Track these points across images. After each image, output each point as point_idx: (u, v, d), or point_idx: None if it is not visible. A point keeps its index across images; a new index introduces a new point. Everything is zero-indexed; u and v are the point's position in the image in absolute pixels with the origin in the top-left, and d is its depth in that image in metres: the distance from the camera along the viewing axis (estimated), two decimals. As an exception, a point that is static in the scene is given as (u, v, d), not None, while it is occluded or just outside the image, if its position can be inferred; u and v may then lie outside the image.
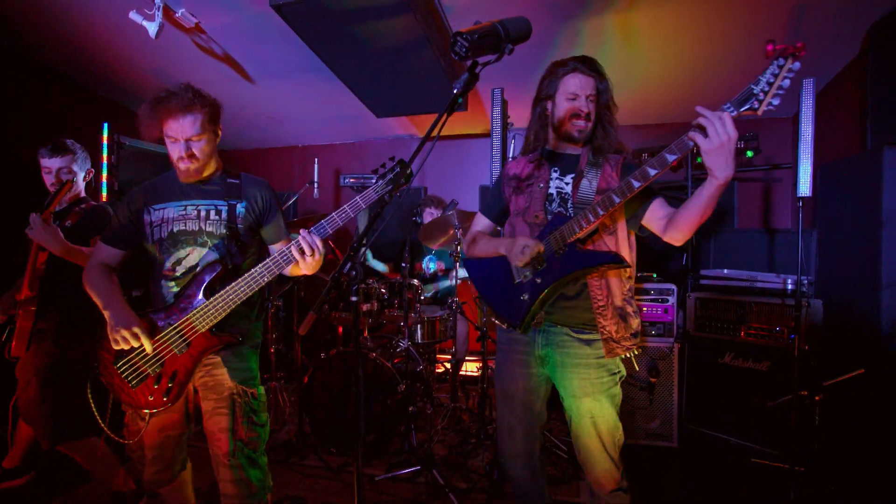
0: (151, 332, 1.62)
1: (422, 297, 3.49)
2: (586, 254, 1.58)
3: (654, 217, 1.61)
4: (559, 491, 2.52)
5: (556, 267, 1.58)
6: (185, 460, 1.87)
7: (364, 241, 1.32)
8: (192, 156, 1.64)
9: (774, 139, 3.95)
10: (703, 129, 1.31)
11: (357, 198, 1.61)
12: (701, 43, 3.19)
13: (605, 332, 1.60)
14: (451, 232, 3.21)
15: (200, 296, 1.63)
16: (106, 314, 1.61)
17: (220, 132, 1.76)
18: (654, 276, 3.17)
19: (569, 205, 1.67)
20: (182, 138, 1.62)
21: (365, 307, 3.25)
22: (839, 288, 3.04)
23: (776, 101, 1.30)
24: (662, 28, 3.03)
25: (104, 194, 3.58)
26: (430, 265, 4.16)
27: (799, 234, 2.64)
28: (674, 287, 3.00)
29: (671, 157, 1.40)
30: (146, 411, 1.67)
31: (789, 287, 2.88)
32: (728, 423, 2.98)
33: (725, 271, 3.19)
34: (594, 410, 1.61)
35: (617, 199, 1.47)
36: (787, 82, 1.29)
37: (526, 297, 1.63)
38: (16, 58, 3.56)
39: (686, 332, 3.17)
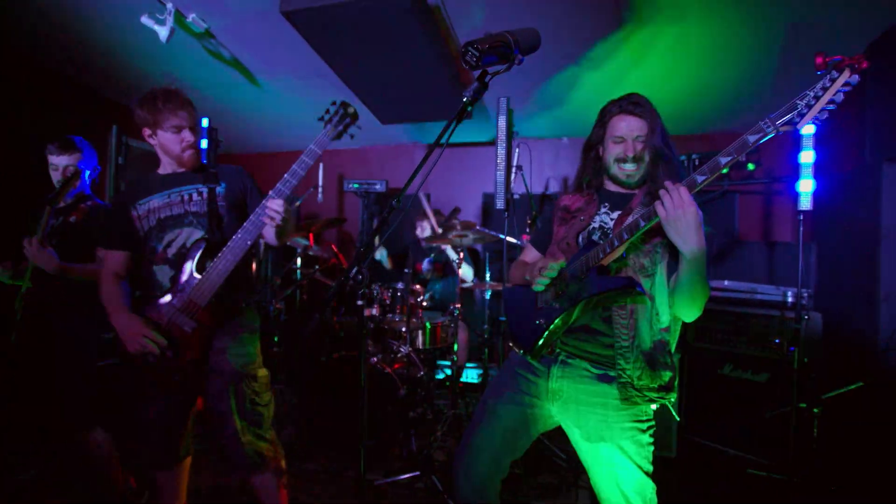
0: (158, 319, 1.71)
1: (423, 304, 3.51)
2: (602, 279, 1.46)
3: None
4: (558, 499, 2.53)
5: (575, 292, 1.49)
6: (188, 447, 1.90)
7: (373, 247, 1.35)
8: (193, 144, 1.85)
9: (775, 153, 3.99)
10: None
11: (311, 145, 1.76)
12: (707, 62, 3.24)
13: (625, 375, 1.45)
14: (453, 237, 3.23)
15: (195, 272, 1.73)
16: (113, 324, 1.72)
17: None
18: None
19: (609, 237, 1.55)
20: (187, 126, 1.81)
21: (367, 312, 3.27)
22: (838, 301, 3.06)
23: (823, 117, 1.20)
24: (666, 45, 3.08)
25: (111, 196, 3.62)
26: (425, 267, 4.18)
27: (800, 247, 2.67)
28: (674, 297, 3.01)
29: (699, 178, 1.33)
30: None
31: (789, 300, 2.90)
32: (726, 434, 2.99)
33: (726, 282, 3.21)
34: (614, 459, 1.46)
35: (642, 223, 1.37)
36: (840, 96, 1.17)
37: (542, 321, 1.53)
38: (25, 61, 3.60)
39: (686, 342, 3.19)
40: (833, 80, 1.17)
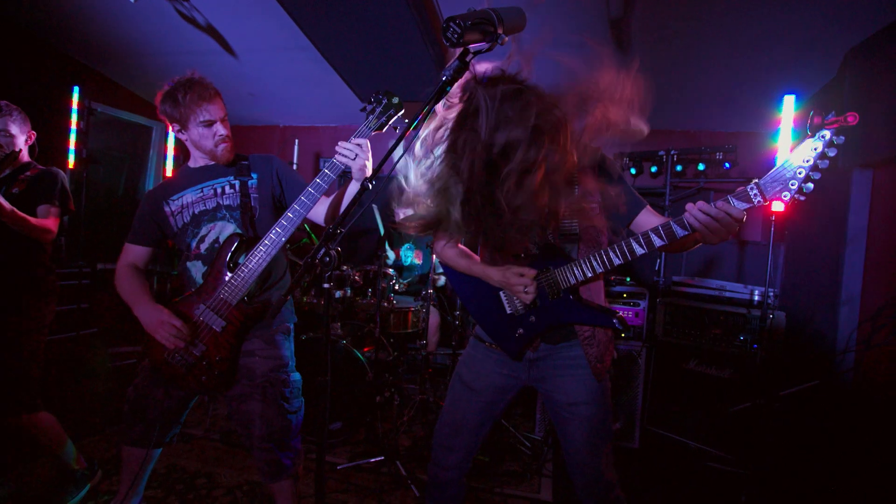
0: (189, 315, 1.65)
1: (396, 287, 3.47)
2: (586, 310, 1.47)
3: (646, 225, 1.50)
4: (521, 487, 2.55)
5: (552, 310, 1.49)
6: (172, 439, 1.86)
7: (340, 229, 1.29)
8: (226, 137, 1.75)
9: (750, 152, 4.05)
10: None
11: (351, 138, 1.66)
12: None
13: (592, 359, 1.51)
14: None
15: (225, 270, 1.66)
16: (137, 316, 1.65)
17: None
18: (627, 279, 3.22)
19: (547, 232, 1.52)
20: (218, 119, 1.72)
21: (337, 294, 3.21)
22: (801, 301, 3.14)
23: (810, 187, 1.14)
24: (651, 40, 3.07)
25: (72, 161, 3.44)
26: (407, 254, 4.13)
27: (770, 248, 2.71)
28: (646, 291, 3.05)
29: (680, 231, 1.27)
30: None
31: (756, 298, 2.95)
32: (688, 426, 3.06)
33: (696, 279, 3.26)
34: (594, 419, 1.53)
35: (617, 260, 1.36)
36: (825, 163, 1.12)
37: (522, 331, 1.53)
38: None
39: (654, 336, 3.24)
40: (823, 141, 1.12)
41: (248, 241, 1.70)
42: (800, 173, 1.14)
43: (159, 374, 1.70)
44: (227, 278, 1.65)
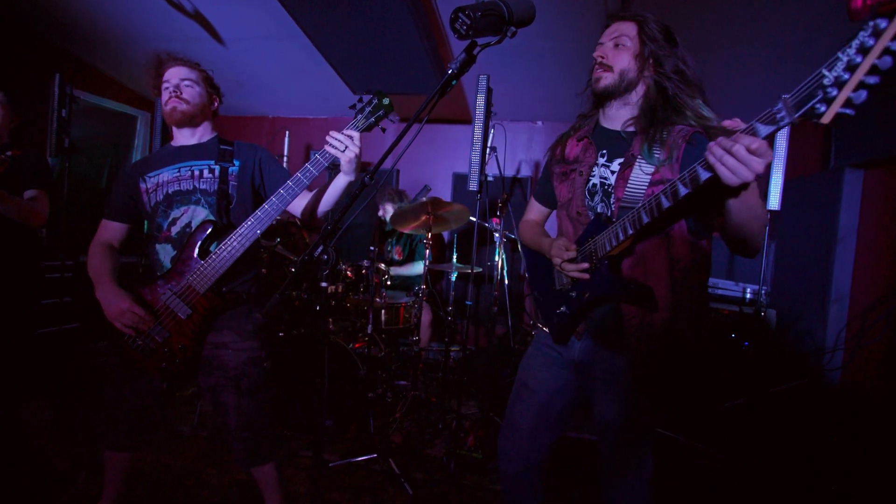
0: (153, 301, 1.62)
1: (388, 283, 3.43)
2: (612, 280, 1.31)
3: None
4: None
5: (590, 284, 1.35)
6: (154, 437, 1.83)
7: (339, 225, 1.26)
8: (179, 94, 1.69)
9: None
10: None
11: (345, 129, 1.64)
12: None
13: (637, 354, 1.33)
14: (424, 218, 3.14)
15: (196, 256, 1.62)
16: (98, 298, 1.61)
17: (215, 101, 1.84)
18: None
19: (611, 201, 1.36)
20: (174, 78, 1.70)
21: (330, 289, 3.17)
22: (791, 299, 3.17)
23: (860, 99, 0.81)
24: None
25: (53, 151, 3.32)
26: (387, 248, 4.09)
27: (764, 247, 2.73)
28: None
29: (703, 174, 1.06)
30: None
31: (748, 296, 2.98)
32: (679, 423, 3.07)
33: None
34: (630, 441, 1.40)
35: (646, 218, 1.17)
36: (888, 61, 0.78)
37: (564, 309, 1.43)
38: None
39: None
40: (878, 34, 0.79)
41: (221, 228, 1.66)
42: (842, 78, 0.82)
43: (125, 369, 1.67)
44: (196, 265, 1.61)
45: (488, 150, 3.09)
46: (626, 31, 1.37)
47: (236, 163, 1.77)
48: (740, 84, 3.45)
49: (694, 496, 2.58)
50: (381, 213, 3.92)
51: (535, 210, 1.72)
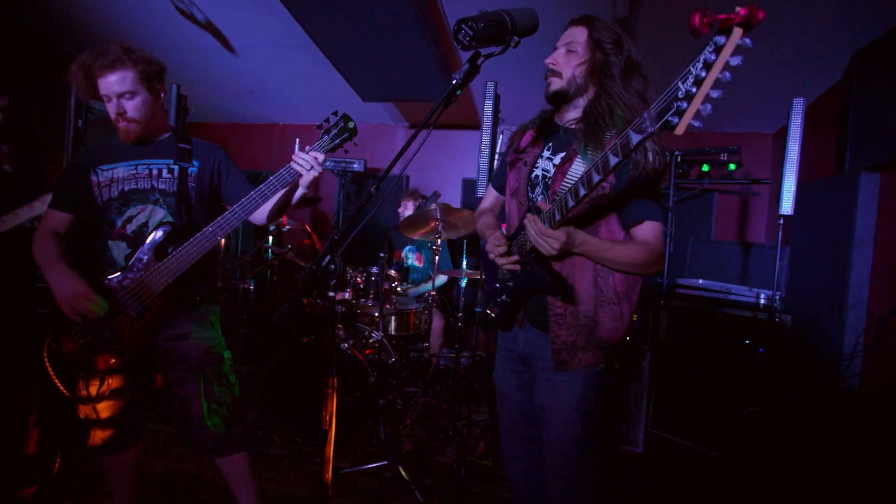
0: (105, 296, 1.59)
1: (398, 289, 3.44)
2: (532, 274, 1.40)
3: (638, 235, 1.40)
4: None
5: (521, 275, 1.44)
6: (139, 433, 1.84)
7: (347, 236, 1.27)
8: (124, 115, 1.61)
9: (754, 154, 4.02)
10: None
11: (308, 149, 1.67)
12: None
13: (557, 341, 1.40)
14: (433, 224, 3.15)
15: (153, 257, 1.63)
16: (49, 282, 1.57)
17: (161, 91, 1.72)
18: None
19: (549, 193, 1.43)
20: (113, 96, 1.60)
21: (339, 296, 3.18)
22: (807, 304, 3.12)
23: (706, 111, 0.87)
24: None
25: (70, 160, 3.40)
26: (409, 255, 4.10)
27: (777, 251, 2.69)
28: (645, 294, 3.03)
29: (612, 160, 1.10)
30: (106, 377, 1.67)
31: (762, 301, 2.93)
32: (692, 430, 3.04)
33: (700, 282, 3.24)
34: (560, 430, 1.43)
35: (571, 202, 1.22)
36: (727, 75, 0.85)
37: (504, 297, 1.53)
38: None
39: (658, 339, 3.21)
40: (718, 50, 0.85)
41: (179, 230, 1.66)
42: (691, 92, 0.87)
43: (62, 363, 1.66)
44: (153, 266, 1.61)
45: (497, 156, 3.09)
46: (578, 36, 1.42)
47: (195, 163, 1.75)
48: (755, 87, 3.42)
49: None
50: (401, 209, 3.94)
51: (490, 197, 1.79)
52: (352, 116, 1.79)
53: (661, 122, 0.92)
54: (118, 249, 1.67)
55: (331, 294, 1.36)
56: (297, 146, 4.21)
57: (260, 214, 1.79)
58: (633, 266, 1.36)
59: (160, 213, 1.69)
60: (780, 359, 2.88)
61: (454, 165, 4.99)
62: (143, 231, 1.67)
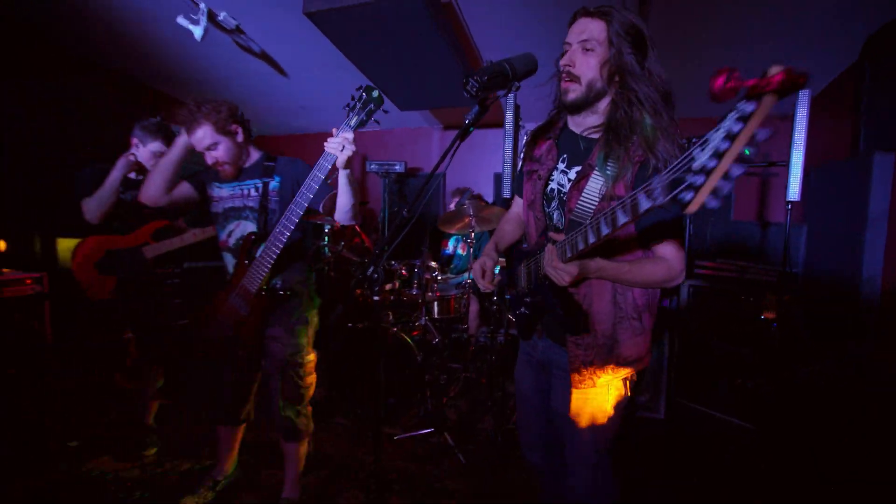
0: (224, 299, 1.96)
1: (439, 278, 3.76)
2: (547, 301, 1.37)
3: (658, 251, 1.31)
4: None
5: (539, 293, 1.41)
6: (250, 413, 2.25)
7: (388, 246, 1.50)
8: (217, 162, 1.91)
9: (764, 141, 4.06)
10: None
11: (336, 132, 1.72)
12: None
13: (575, 361, 1.38)
14: (467, 220, 3.39)
15: (246, 262, 1.92)
16: None
17: (239, 130, 1.92)
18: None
19: (564, 210, 1.37)
20: (202, 150, 1.87)
21: (388, 286, 3.55)
22: (823, 281, 3.23)
23: (726, 188, 0.72)
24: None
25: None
26: (455, 244, 4.39)
27: (786, 233, 2.83)
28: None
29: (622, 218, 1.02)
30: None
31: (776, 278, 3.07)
32: (712, 399, 3.23)
33: (719, 260, 3.40)
34: (575, 436, 1.43)
35: (581, 245, 1.14)
36: (753, 151, 0.70)
37: (523, 309, 1.51)
38: (79, 59, 3.92)
39: (679, 315, 3.41)
40: (745, 118, 0.70)
41: (262, 236, 1.91)
42: (708, 166, 0.74)
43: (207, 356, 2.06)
44: (248, 269, 1.89)
45: (521, 157, 3.34)
46: (594, 31, 1.26)
47: (276, 178, 1.98)
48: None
49: (726, 467, 2.72)
50: (451, 205, 4.26)
51: (516, 204, 1.77)
52: (385, 119, 1.77)
53: (671, 196, 0.81)
54: (228, 260, 2.04)
55: (376, 298, 1.57)
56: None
57: (337, 211, 1.87)
58: (652, 283, 1.31)
59: (250, 227, 1.98)
60: (796, 332, 3.03)
61: (484, 163, 5.25)
62: (239, 243, 1.99)
